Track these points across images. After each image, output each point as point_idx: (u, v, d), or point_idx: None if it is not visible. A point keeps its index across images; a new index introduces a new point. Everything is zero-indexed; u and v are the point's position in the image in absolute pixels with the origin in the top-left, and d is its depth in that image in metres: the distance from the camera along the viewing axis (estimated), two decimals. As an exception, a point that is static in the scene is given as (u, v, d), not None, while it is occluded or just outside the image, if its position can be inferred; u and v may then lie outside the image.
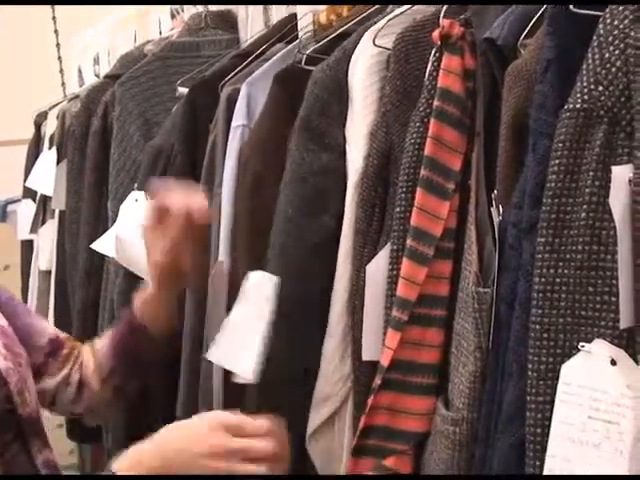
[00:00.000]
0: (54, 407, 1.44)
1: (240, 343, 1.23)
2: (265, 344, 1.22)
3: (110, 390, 1.44)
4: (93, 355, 1.44)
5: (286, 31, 1.73)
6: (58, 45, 3.48)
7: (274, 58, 1.57)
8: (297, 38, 1.69)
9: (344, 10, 1.50)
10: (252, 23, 2.03)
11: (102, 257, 2.12)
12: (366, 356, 1.17)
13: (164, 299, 1.33)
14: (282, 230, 1.26)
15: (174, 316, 1.38)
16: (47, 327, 1.49)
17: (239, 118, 1.52)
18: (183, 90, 1.82)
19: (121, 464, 1.13)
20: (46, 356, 1.44)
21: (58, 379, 1.43)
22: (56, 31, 3.46)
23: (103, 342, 1.44)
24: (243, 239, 1.41)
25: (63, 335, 1.48)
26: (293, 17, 1.75)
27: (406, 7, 1.25)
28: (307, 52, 1.37)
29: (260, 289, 1.24)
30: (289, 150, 1.27)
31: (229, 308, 1.44)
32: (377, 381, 1.10)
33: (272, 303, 1.23)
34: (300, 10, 1.69)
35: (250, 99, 1.50)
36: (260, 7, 2.01)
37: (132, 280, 1.88)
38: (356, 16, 1.42)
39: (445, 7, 1.15)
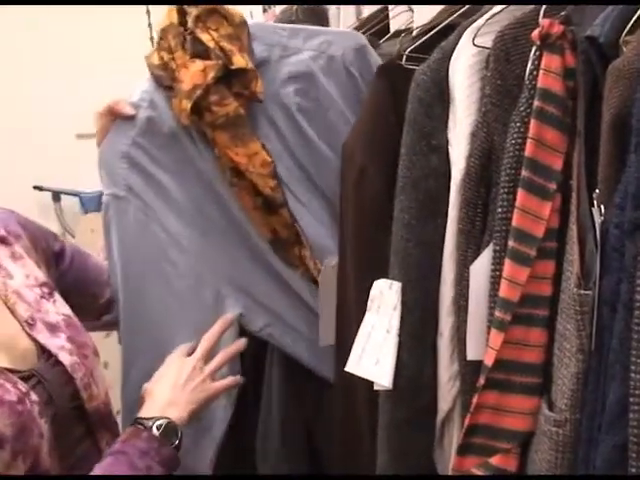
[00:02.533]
0: None
1: (374, 352, 1.27)
2: (397, 350, 1.27)
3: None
4: None
5: (380, 25, 1.74)
6: (152, 39, 3.53)
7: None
8: (389, 31, 1.70)
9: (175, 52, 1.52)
10: (344, 16, 2.05)
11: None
12: (471, 355, 1.19)
13: None
14: (402, 236, 1.27)
15: None
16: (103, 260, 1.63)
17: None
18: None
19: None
20: None
21: None
22: (150, 25, 3.51)
23: None
24: (350, 235, 1.43)
25: None
26: (385, 10, 1.76)
27: (505, 5, 1.25)
28: (407, 51, 1.38)
29: (386, 296, 1.28)
30: (400, 155, 1.29)
31: (338, 303, 1.48)
32: (481, 381, 1.11)
33: (399, 309, 1.26)
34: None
35: None
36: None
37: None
38: (452, 12, 1.42)
39: (545, 5, 1.15)
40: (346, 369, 1.30)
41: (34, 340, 1.29)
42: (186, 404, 1.41)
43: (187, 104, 1.46)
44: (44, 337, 1.30)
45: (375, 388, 1.28)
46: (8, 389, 1.19)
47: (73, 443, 1.30)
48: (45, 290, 1.36)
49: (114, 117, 1.55)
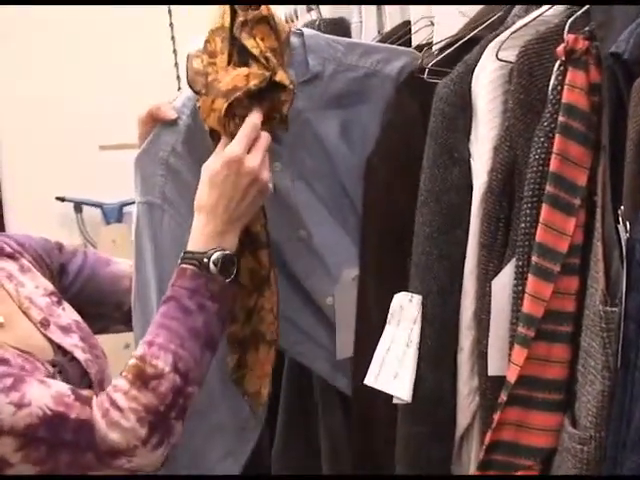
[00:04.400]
0: None
1: (394, 365, 1.26)
2: (416, 364, 1.26)
3: None
4: None
5: (402, 40, 1.73)
6: (175, 51, 3.55)
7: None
8: (410, 45, 1.69)
9: (218, 55, 1.40)
10: (365, 30, 2.05)
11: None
12: (492, 371, 1.18)
13: None
14: (422, 249, 1.27)
15: None
16: (127, 264, 1.59)
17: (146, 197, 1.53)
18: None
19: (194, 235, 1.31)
20: None
21: None
22: (173, 38, 3.53)
23: None
24: (373, 250, 1.43)
25: None
26: (407, 24, 1.75)
27: (529, 19, 1.25)
28: (429, 65, 1.38)
29: (406, 310, 1.27)
30: (422, 168, 1.28)
31: (358, 317, 1.47)
32: (503, 397, 1.10)
33: (419, 323, 1.25)
34: (414, 15, 1.69)
35: None
36: (373, 13, 2.01)
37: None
38: (476, 26, 1.42)
39: (570, 20, 1.15)
40: (365, 382, 1.29)
41: (49, 340, 1.32)
42: (239, 222, 1.31)
43: (222, 103, 1.34)
44: (58, 337, 1.33)
45: (394, 402, 1.28)
46: (38, 367, 1.23)
47: None
48: (54, 299, 1.40)
49: (155, 123, 1.49)
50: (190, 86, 1.43)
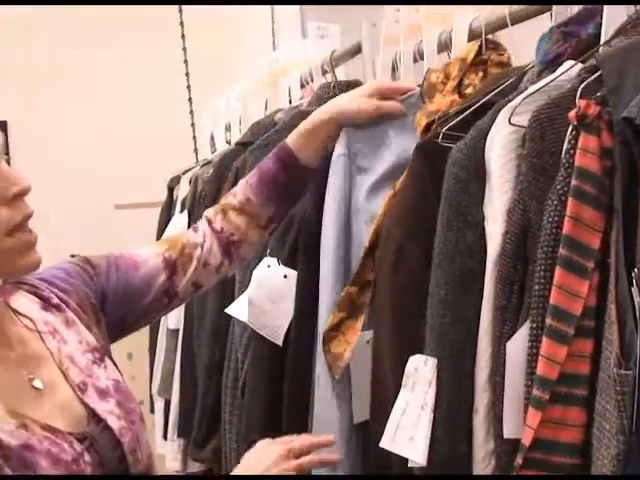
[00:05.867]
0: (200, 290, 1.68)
1: (409, 428, 1.26)
2: (431, 427, 1.26)
3: (268, 233, 1.74)
4: (229, 214, 1.71)
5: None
6: (192, 112, 3.60)
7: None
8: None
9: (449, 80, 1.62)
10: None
11: (228, 318, 2.17)
12: (507, 434, 1.18)
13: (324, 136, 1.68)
14: (437, 312, 1.28)
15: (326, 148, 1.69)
16: (154, 258, 1.62)
17: (340, 148, 1.67)
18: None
19: None
20: (169, 279, 1.61)
21: (189, 278, 1.62)
22: (190, 99, 3.58)
23: (247, 195, 1.70)
24: (387, 312, 1.43)
25: (166, 251, 1.63)
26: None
27: (541, 84, 1.27)
28: (444, 129, 1.40)
29: (421, 372, 1.27)
30: (437, 231, 1.30)
31: (373, 380, 1.47)
32: (518, 460, 1.10)
33: (434, 385, 1.26)
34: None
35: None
36: (388, 76, 2.04)
37: (256, 342, 1.93)
38: (489, 91, 1.44)
39: (582, 86, 1.16)
40: (380, 445, 1.29)
41: (85, 404, 1.33)
42: None
43: (424, 120, 1.57)
44: (94, 402, 1.33)
45: (409, 465, 1.27)
46: (65, 448, 1.24)
47: None
48: (96, 355, 1.40)
49: (379, 97, 1.68)
50: (421, 95, 1.66)
